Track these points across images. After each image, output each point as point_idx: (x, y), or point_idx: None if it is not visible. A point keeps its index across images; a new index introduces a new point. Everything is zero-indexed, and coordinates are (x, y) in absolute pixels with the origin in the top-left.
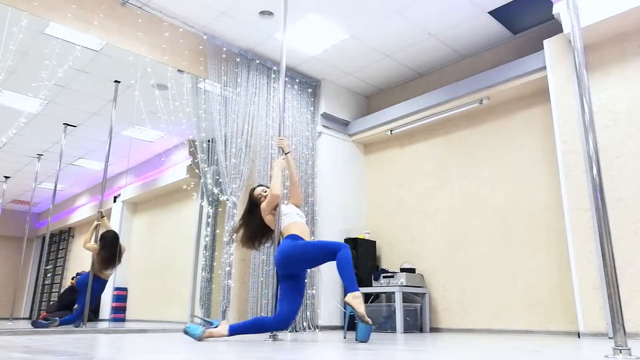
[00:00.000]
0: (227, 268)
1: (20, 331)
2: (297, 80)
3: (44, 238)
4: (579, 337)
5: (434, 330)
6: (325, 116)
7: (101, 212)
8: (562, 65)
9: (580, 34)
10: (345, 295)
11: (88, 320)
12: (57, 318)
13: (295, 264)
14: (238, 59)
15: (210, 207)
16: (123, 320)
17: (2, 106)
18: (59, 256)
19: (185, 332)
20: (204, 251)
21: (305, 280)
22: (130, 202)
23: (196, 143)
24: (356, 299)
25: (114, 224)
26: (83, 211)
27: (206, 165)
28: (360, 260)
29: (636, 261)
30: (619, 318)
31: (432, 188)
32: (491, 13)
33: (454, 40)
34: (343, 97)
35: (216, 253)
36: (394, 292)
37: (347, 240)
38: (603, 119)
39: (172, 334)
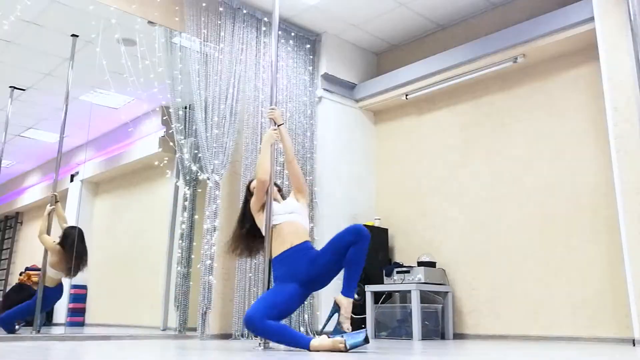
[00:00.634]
0: (208, 261)
1: None
2: (292, 34)
3: None
4: (634, 345)
5: (458, 336)
6: (327, 77)
7: (55, 195)
8: (614, 15)
9: None
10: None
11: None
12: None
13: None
14: (221, 9)
15: (187, 187)
16: (82, 324)
17: None
18: (4, 247)
19: (352, 347)
20: (180, 241)
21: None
22: (90, 181)
23: (170, 110)
24: (350, 305)
25: (71, 208)
26: (34, 192)
27: (182, 137)
28: (369, 251)
29: None
30: None
31: (456, 165)
32: None
33: None
34: (348, 55)
35: (194, 243)
36: (409, 291)
37: None
38: None
39: (141, 341)
